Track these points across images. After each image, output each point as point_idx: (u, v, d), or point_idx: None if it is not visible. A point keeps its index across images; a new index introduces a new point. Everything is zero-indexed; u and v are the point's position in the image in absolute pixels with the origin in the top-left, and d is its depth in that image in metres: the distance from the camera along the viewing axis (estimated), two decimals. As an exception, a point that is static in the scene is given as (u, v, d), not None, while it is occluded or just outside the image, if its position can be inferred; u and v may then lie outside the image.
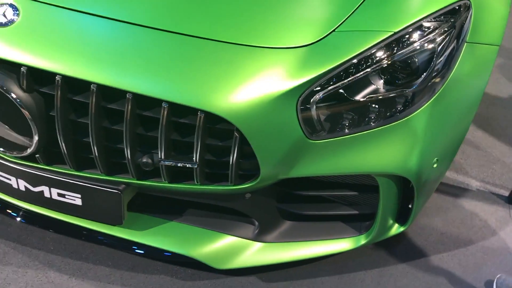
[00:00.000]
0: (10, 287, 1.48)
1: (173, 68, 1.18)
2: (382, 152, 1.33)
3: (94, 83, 1.15)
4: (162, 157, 1.22)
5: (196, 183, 1.29)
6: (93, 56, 1.17)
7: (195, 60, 1.20)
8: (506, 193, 2.07)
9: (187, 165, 1.23)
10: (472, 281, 1.69)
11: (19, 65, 1.16)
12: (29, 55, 1.16)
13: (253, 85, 1.18)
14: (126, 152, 1.23)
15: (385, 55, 1.26)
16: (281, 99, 1.20)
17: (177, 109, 1.17)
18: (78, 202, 1.36)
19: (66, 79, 1.15)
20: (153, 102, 1.17)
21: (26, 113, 1.18)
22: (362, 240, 1.52)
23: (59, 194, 1.36)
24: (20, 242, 1.60)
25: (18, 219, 1.49)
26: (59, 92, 1.16)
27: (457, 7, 1.36)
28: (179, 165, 1.23)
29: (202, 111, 1.15)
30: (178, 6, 1.31)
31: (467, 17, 1.37)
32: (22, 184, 1.37)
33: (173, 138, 1.21)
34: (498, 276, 1.66)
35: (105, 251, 1.61)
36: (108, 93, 1.17)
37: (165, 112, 1.15)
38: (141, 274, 1.56)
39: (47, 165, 1.32)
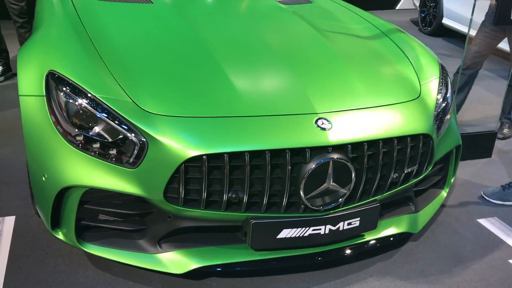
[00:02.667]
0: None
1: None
2: (451, 136, 2.62)
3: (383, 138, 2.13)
4: (406, 171, 2.25)
5: (410, 180, 2.33)
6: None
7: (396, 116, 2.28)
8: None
9: (414, 170, 2.29)
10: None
11: (346, 144, 2.05)
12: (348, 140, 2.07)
13: (416, 117, 2.33)
14: (391, 177, 2.20)
15: (441, 91, 2.57)
16: (432, 123, 2.37)
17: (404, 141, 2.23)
18: (357, 223, 2.22)
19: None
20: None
21: (352, 168, 2.06)
22: (447, 189, 2.76)
23: (349, 223, 2.20)
24: (299, 287, 2.28)
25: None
26: (366, 156, 2.09)
27: (440, 67, 2.76)
28: (410, 170, 2.28)
29: (422, 134, 2.25)
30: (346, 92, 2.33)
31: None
32: (328, 228, 2.15)
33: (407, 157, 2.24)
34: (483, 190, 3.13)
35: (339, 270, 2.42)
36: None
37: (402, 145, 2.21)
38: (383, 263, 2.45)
39: (343, 206, 2.17)
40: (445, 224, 2.83)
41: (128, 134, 1.99)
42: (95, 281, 2.24)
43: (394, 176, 2.24)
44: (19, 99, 2.20)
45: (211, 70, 2.30)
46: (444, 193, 2.75)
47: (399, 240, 2.55)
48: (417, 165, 2.29)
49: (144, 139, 1.98)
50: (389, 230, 2.42)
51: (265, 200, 2.02)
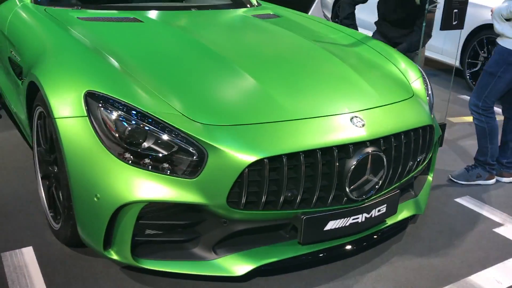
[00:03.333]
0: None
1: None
2: (436, 127, 2.99)
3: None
4: (418, 159, 2.54)
5: (419, 167, 2.63)
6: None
7: (403, 110, 2.57)
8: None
9: (422, 157, 2.59)
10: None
11: (379, 138, 2.28)
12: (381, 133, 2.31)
13: (420, 111, 2.65)
14: (409, 165, 2.48)
15: (426, 89, 2.93)
16: (431, 116, 2.70)
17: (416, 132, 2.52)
18: (383, 210, 2.47)
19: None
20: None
21: (385, 159, 2.30)
22: (431, 174, 3.11)
23: (378, 210, 2.43)
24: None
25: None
26: (393, 148, 2.34)
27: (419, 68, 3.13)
28: (421, 158, 2.58)
29: (429, 125, 2.55)
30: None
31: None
32: (363, 217, 2.37)
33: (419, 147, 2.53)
34: (451, 173, 3.55)
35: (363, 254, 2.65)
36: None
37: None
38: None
39: (375, 195, 2.40)
40: (432, 206, 3.18)
41: (185, 146, 2.06)
42: (148, 297, 2.25)
43: (410, 164, 2.53)
44: (56, 122, 2.17)
45: (241, 79, 2.43)
46: (430, 178, 3.10)
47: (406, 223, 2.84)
48: (425, 153, 2.60)
49: (204, 149, 2.06)
50: (403, 214, 2.70)
51: (315, 196, 2.19)
